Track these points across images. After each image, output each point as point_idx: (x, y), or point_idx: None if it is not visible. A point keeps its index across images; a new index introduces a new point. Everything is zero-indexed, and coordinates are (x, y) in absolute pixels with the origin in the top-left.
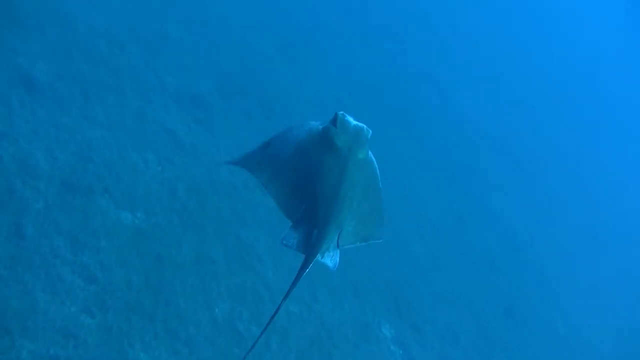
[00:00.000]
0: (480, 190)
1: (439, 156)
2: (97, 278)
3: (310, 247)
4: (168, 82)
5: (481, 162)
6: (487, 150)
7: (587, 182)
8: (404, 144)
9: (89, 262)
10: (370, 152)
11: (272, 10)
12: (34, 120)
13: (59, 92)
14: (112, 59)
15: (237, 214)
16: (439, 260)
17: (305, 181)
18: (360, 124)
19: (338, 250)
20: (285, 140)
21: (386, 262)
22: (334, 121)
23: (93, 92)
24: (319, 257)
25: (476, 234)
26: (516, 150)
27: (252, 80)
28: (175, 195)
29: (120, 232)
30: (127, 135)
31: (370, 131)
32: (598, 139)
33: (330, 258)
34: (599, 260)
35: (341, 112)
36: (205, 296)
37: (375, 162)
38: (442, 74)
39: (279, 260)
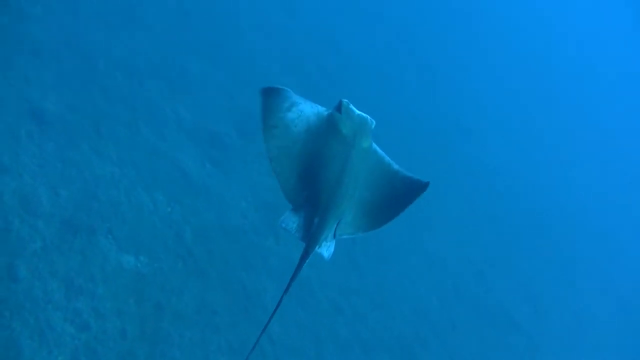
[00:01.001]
0: (503, 246)
1: (462, 206)
2: (89, 326)
3: (310, 235)
4: (185, 119)
5: (507, 216)
6: (514, 204)
7: (617, 242)
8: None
9: (82, 309)
10: (374, 143)
11: (297, 48)
12: (41, 154)
13: (70, 125)
14: (130, 92)
15: (245, 261)
16: (456, 318)
17: (311, 165)
18: (365, 114)
19: (334, 241)
20: (300, 115)
21: (398, 317)
22: (338, 108)
23: (106, 127)
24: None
25: (497, 291)
26: (544, 206)
27: None
28: (182, 239)
29: (119, 276)
30: (137, 173)
31: (374, 122)
32: (630, 198)
33: (326, 248)
34: (626, 326)
35: (345, 100)
36: (204, 350)
37: (380, 152)
38: (473, 121)
39: (286, 313)
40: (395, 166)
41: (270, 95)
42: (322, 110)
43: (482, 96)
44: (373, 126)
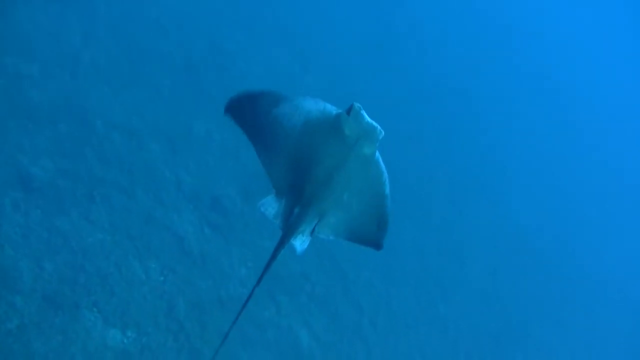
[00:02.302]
0: (522, 311)
1: (481, 269)
2: None
3: (289, 224)
4: (185, 182)
5: (527, 279)
6: (537, 267)
7: None
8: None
9: None
10: (379, 155)
11: None
12: (26, 224)
13: (60, 191)
14: (127, 155)
15: (242, 335)
16: None
17: (302, 155)
18: (375, 123)
19: (310, 238)
20: (297, 109)
21: None
22: (348, 110)
23: (99, 192)
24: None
25: None
26: (568, 271)
27: None
28: (174, 311)
29: (102, 356)
30: (130, 241)
31: (383, 132)
32: None
33: (300, 242)
34: None
35: (358, 104)
36: None
37: (382, 167)
38: (490, 179)
39: None
40: (387, 189)
41: (239, 124)
42: (330, 108)
43: (502, 151)
44: (381, 137)
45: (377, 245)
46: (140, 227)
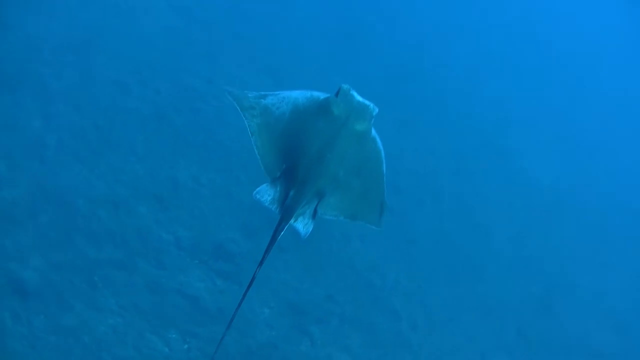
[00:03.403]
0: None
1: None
2: None
3: (285, 207)
4: (184, 238)
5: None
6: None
7: None
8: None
9: None
10: (374, 132)
11: None
12: (31, 333)
13: (58, 287)
14: (118, 228)
15: None
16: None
17: (293, 142)
18: (367, 101)
19: (313, 220)
20: (283, 99)
21: None
22: (337, 92)
23: (99, 275)
24: (292, 220)
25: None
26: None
27: None
28: None
29: None
30: (143, 318)
31: (377, 109)
32: None
33: (303, 224)
34: None
35: (346, 85)
36: None
37: (380, 144)
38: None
39: None
40: (384, 168)
41: (235, 100)
42: (317, 94)
43: (500, 107)
44: (375, 113)
45: (378, 223)
46: (149, 299)
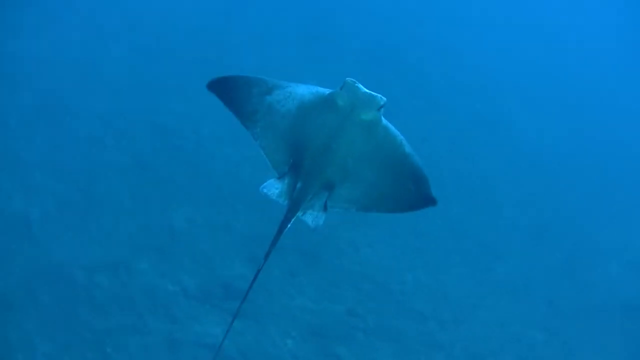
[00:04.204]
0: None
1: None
2: None
3: (293, 199)
4: (189, 285)
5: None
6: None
7: None
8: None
9: None
10: (387, 121)
11: None
12: None
13: None
14: (121, 291)
15: None
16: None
17: (299, 136)
18: (373, 92)
19: (324, 213)
20: (290, 95)
21: None
22: (342, 87)
23: (111, 345)
24: (300, 213)
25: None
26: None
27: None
28: None
29: None
30: None
31: (385, 99)
32: None
33: (312, 217)
34: None
35: (351, 79)
36: None
37: (394, 131)
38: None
39: None
40: (408, 148)
41: (222, 90)
42: (323, 90)
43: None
44: (382, 103)
45: (426, 200)
46: (168, 357)
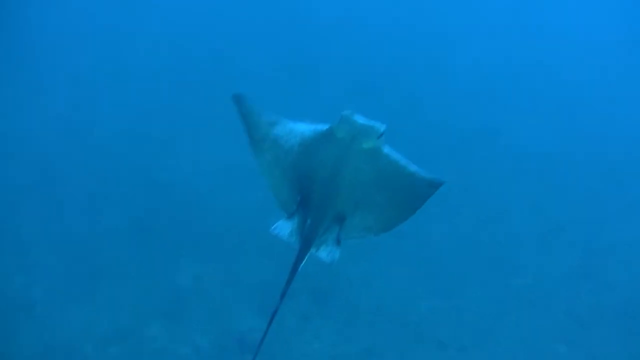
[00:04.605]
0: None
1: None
2: None
3: (303, 237)
4: (202, 344)
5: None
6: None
7: None
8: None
9: None
10: (386, 146)
11: None
12: None
13: None
14: (133, 355)
15: None
16: None
17: (304, 173)
18: (372, 121)
19: (338, 247)
20: (291, 132)
21: None
22: (339, 120)
23: None
24: (313, 249)
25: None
26: None
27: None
28: None
29: None
30: None
31: (384, 126)
32: None
33: (327, 252)
34: None
35: (347, 111)
36: None
37: (396, 156)
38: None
39: None
40: (412, 168)
41: (243, 104)
42: (321, 126)
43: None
44: (382, 130)
45: (437, 184)
46: None
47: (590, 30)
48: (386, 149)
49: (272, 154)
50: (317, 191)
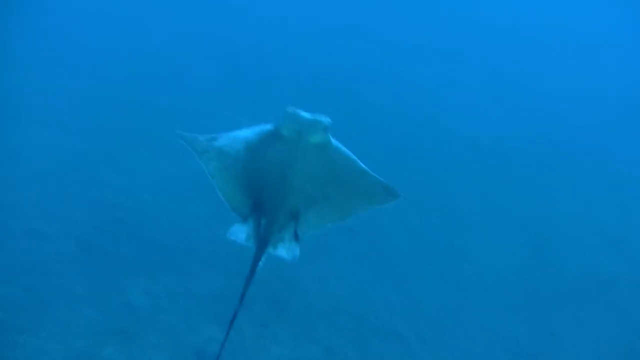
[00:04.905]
0: None
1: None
2: None
3: (260, 238)
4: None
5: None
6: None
7: None
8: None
9: None
10: (333, 139)
11: None
12: None
13: None
14: None
15: None
16: None
17: (254, 175)
18: (316, 115)
19: (297, 243)
20: (235, 139)
21: None
22: (283, 117)
23: None
24: (271, 249)
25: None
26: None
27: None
28: None
29: None
30: None
31: (328, 119)
32: None
33: (286, 249)
34: None
35: (290, 108)
36: None
37: (344, 150)
38: None
39: None
40: (361, 165)
41: (189, 145)
42: (265, 126)
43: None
44: (327, 123)
45: (393, 193)
46: None
47: (526, 15)
48: (334, 142)
49: (218, 162)
50: (269, 191)
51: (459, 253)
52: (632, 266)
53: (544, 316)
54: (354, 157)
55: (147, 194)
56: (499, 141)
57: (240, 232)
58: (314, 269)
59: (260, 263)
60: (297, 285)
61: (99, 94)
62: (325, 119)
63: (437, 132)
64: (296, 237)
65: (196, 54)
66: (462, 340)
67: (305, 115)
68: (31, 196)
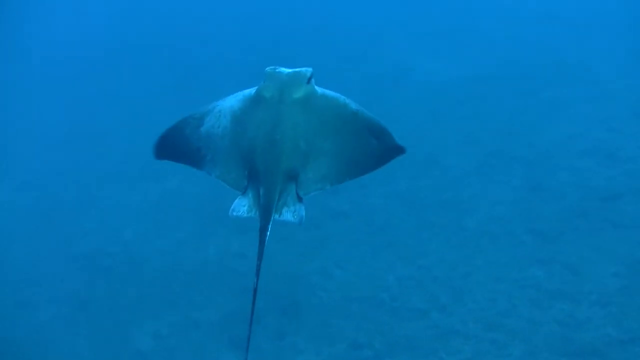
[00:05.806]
0: None
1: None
2: None
3: (261, 207)
4: None
5: None
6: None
7: None
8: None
9: None
10: (321, 89)
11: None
12: None
13: None
14: None
15: None
16: None
17: (244, 145)
18: (296, 69)
19: (301, 204)
20: (220, 113)
21: None
22: (264, 79)
23: None
24: (275, 215)
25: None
26: None
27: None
28: None
29: None
30: None
31: (311, 69)
32: None
33: (291, 213)
34: None
35: (270, 67)
36: None
37: (332, 94)
38: None
39: None
40: (354, 106)
41: (169, 147)
42: (248, 91)
43: None
44: (308, 75)
45: (393, 150)
46: None
47: None
48: (319, 91)
49: (211, 152)
50: (260, 157)
51: (456, 208)
52: (630, 176)
53: (555, 251)
54: (343, 100)
55: (128, 232)
56: (477, 81)
57: (242, 206)
58: (316, 263)
59: (268, 232)
60: (303, 285)
61: (47, 140)
62: (306, 70)
63: (406, 83)
64: (299, 198)
65: (140, 62)
66: (482, 300)
67: (285, 70)
68: (14, 264)
